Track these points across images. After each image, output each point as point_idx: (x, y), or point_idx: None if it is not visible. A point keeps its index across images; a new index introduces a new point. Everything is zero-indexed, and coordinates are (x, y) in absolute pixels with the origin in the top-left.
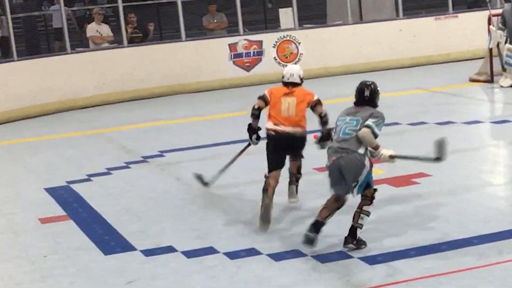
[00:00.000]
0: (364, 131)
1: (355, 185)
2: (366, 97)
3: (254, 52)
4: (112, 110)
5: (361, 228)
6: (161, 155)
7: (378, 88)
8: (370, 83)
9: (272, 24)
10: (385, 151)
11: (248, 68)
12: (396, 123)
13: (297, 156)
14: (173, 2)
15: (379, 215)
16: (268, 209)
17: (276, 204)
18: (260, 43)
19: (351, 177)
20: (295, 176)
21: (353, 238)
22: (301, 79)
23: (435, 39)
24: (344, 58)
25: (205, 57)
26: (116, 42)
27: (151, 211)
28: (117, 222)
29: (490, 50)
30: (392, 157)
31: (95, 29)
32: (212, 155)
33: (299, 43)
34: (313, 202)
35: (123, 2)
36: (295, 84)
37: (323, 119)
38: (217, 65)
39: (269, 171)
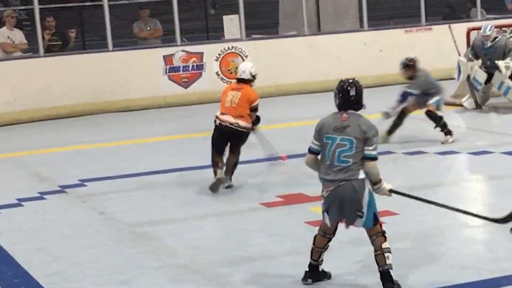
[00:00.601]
0: (372, 166)
1: (361, 216)
2: (353, 97)
3: (193, 65)
4: (25, 131)
5: (392, 269)
6: (82, 185)
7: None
8: (352, 80)
9: (215, 33)
10: (386, 185)
11: (186, 84)
12: None
13: (235, 149)
14: (98, 5)
15: (339, 261)
16: (220, 181)
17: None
18: (200, 55)
19: (354, 206)
20: (232, 169)
21: (392, 283)
22: (253, 76)
23: (405, 54)
24: (298, 75)
25: (136, 70)
26: (31, 51)
27: (69, 251)
28: (29, 263)
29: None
30: (391, 191)
31: (6, 35)
32: (143, 185)
33: (246, 56)
34: (262, 241)
35: (39, 4)
36: (245, 81)
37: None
38: (150, 80)
39: (212, 155)
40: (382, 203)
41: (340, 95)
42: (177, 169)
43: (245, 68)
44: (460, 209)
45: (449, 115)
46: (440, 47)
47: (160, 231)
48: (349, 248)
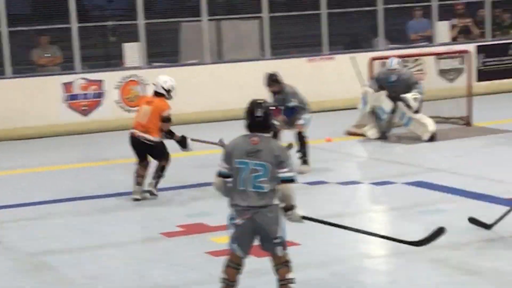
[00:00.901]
0: (288, 188)
1: (278, 243)
2: (259, 118)
3: (93, 93)
4: None
5: None
6: None
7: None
8: (260, 101)
9: (115, 61)
10: (298, 211)
11: (85, 112)
12: None
13: (155, 158)
14: None
15: None
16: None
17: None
18: (100, 83)
19: (272, 233)
20: (157, 173)
21: None
22: (166, 91)
23: (308, 83)
24: (199, 104)
25: (34, 97)
26: None
27: None
28: None
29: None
30: (303, 218)
31: None
32: (42, 214)
33: (147, 85)
34: (162, 271)
35: None
36: (158, 94)
37: (167, 136)
38: (49, 107)
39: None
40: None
41: (247, 116)
42: (76, 198)
43: (160, 81)
44: (375, 233)
45: (352, 145)
46: (342, 76)
47: (59, 260)
48: (248, 279)
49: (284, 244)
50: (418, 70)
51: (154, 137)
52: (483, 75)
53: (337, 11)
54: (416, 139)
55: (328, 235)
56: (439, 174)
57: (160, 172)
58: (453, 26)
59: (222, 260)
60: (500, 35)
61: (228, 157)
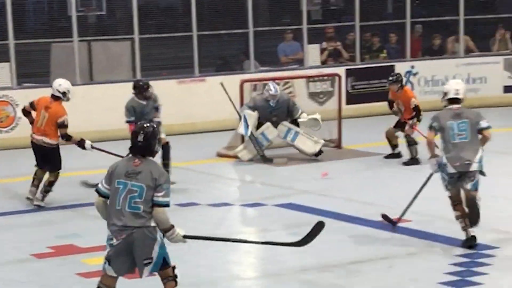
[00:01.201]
0: (159, 212)
1: (148, 263)
2: (140, 142)
3: None
4: None
5: None
6: None
7: (158, 130)
8: (145, 125)
9: None
10: (179, 230)
11: None
12: None
13: (49, 168)
14: None
15: None
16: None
17: None
18: None
19: (144, 254)
20: (45, 187)
21: None
22: (62, 93)
23: (178, 106)
24: (70, 125)
25: None
26: None
27: None
28: None
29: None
30: (185, 237)
31: None
32: None
33: (17, 105)
34: None
35: None
36: (55, 97)
37: (65, 139)
38: None
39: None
40: None
41: (131, 139)
42: None
43: (54, 84)
44: (258, 241)
45: (223, 167)
46: (213, 98)
47: None
48: None
49: (160, 262)
50: (289, 93)
51: (52, 140)
52: (352, 98)
53: (208, 33)
54: (293, 159)
55: (198, 256)
56: (310, 196)
57: (48, 187)
58: (323, 50)
59: (94, 281)
60: (369, 58)
61: (109, 177)
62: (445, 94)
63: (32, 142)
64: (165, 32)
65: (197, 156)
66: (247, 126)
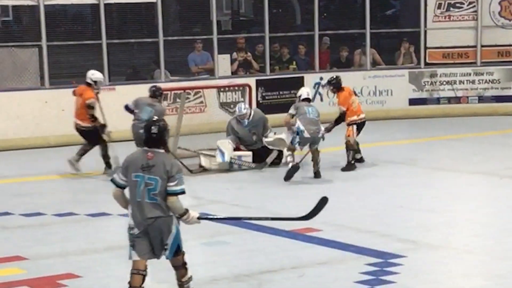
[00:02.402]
0: (173, 201)
1: (165, 249)
2: (154, 134)
3: None
4: None
5: None
6: None
7: (169, 127)
8: (157, 119)
9: None
10: (192, 213)
11: None
12: (40, 213)
13: (89, 143)
14: None
15: None
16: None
17: None
18: None
19: (162, 241)
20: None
21: None
22: (94, 82)
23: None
24: None
25: None
26: None
27: None
28: None
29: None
30: (199, 219)
31: None
32: None
33: None
34: None
35: None
36: (87, 84)
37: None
38: None
39: None
40: (64, 265)
41: (145, 132)
42: None
43: (88, 74)
44: (266, 217)
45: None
46: (122, 107)
47: None
48: None
49: (174, 249)
50: (199, 103)
51: (85, 124)
52: (262, 108)
53: (118, 41)
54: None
55: (108, 267)
56: (221, 206)
57: (85, 152)
58: (233, 60)
59: None
60: (278, 69)
61: (125, 171)
62: (300, 96)
63: (74, 125)
64: (74, 40)
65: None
66: (222, 154)
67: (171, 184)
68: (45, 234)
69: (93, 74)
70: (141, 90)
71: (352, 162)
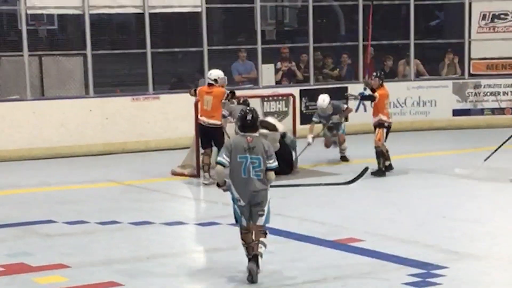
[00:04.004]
0: (272, 174)
1: (262, 215)
2: (249, 121)
3: None
4: None
5: (261, 256)
6: None
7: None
8: (250, 108)
9: None
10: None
11: None
12: (83, 221)
13: (216, 143)
14: None
15: None
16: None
17: None
18: None
19: (261, 208)
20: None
21: (257, 266)
22: (214, 80)
23: (132, 123)
24: (21, 141)
25: None
26: None
27: None
28: None
29: (196, 139)
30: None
31: None
32: None
33: None
34: None
35: None
36: (210, 84)
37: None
38: None
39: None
40: (107, 273)
41: (240, 119)
42: None
43: (208, 75)
44: (313, 183)
45: (177, 186)
46: (166, 116)
47: None
48: None
49: (267, 217)
50: None
51: (217, 121)
52: (306, 118)
53: (162, 50)
54: None
55: (151, 275)
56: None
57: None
58: (277, 70)
59: None
60: (322, 80)
61: (229, 152)
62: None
63: (200, 125)
64: (119, 49)
65: (151, 175)
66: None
67: (270, 161)
68: (88, 242)
69: (211, 74)
70: (185, 99)
71: (383, 169)
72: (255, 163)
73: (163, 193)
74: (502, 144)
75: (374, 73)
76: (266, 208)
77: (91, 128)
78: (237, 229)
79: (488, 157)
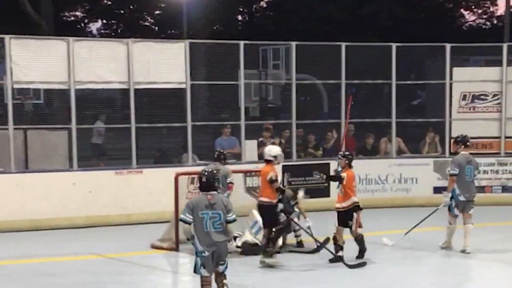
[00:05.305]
0: (232, 226)
1: (223, 264)
2: (204, 182)
3: None
4: None
5: None
6: None
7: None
8: (204, 170)
9: None
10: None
11: None
12: None
13: (265, 220)
14: None
15: None
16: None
17: None
18: None
19: (222, 258)
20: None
21: None
22: (274, 157)
23: (115, 196)
24: (4, 213)
25: None
26: None
27: None
28: None
29: (176, 213)
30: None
31: None
32: None
33: None
34: None
35: None
36: (267, 161)
37: (279, 192)
38: None
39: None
40: None
41: (199, 181)
42: None
43: (265, 151)
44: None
45: (158, 259)
46: (149, 190)
47: None
48: None
49: (227, 265)
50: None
51: (266, 199)
52: None
53: (146, 125)
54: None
55: None
56: None
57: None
58: (260, 143)
59: None
60: (304, 156)
61: (191, 210)
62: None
63: (257, 205)
64: (104, 123)
65: (132, 248)
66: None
67: (229, 215)
68: None
69: (270, 150)
70: (168, 174)
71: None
72: (215, 217)
73: (143, 266)
74: (425, 219)
75: (341, 153)
76: (226, 259)
77: (74, 201)
78: None
79: (409, 230)
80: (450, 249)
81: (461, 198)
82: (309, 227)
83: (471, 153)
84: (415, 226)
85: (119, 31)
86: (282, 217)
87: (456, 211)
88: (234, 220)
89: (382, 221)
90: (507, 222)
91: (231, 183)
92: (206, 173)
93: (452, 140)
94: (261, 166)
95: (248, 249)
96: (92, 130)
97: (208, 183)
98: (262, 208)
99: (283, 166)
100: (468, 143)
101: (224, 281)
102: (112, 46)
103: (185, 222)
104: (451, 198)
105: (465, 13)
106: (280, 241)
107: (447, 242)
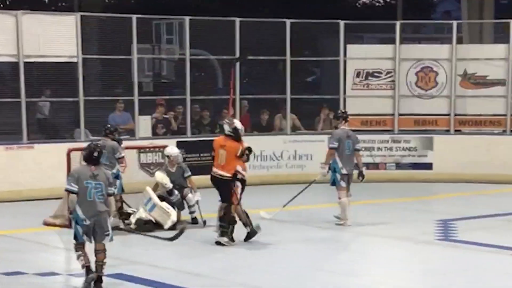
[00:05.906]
0: (111, 200)
1: (108, 235)
2: (87, 155)
3: None
4: None
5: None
6: None
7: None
8: (95, 144)
9: None
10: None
11: None
12: None
13: (221, 196)
14: None
15: None
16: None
17: None
18: None
19: (105, 228)
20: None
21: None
22: (233, 131)
23: (6, 172)
24: None
25: None
26: None
27: None
28: None
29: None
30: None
31: None
32: None
33: None
34: None
35: None
36: (227, 135)
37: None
38: None
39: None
40: None
41: (88, 154)
42: None
43: (224, 125)
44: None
45: (50, 235)
46: (40, 166)
47: None
48: None
49: (111, 236)
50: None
51: (226, 173)
52: None
53: (37, 100)
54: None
55: None
56: (139, 267)
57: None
58: (152, 118)
59: None
60: (198, 132)
61: (76, 180)
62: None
63: (211, 176)
64: None
65: (23, 225)
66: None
67: (110, 188)
68: None
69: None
70: (60, 149)
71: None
72: (98, 188)
73: (35, 243)
74: (302, 190)
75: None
76: (110, 230)
77: None
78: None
79: (287, 203)
80: (347, 225)
81: (343, 171)
82: (197, 202)
83: (352, 130)
84: (292, 199)
85: (7, 2)
86: (175, 193)
87: (342, 183)
88: (113, 194)
89: (276, 197)
90: (400, 198)
91: (121, 157)
92: (89, 147)
93: (332, 115)
94: (155, 142)
95: (141, 226)
96: None
97: (90, 156)
98: (221, 182)
99: (178, 142)
100: (347, 119)
101: (105, 259)
102: (1, 18)
103: (72, 192)
104: (334, 171)
105: None
106: (175, 217)
107: (343, 217)
